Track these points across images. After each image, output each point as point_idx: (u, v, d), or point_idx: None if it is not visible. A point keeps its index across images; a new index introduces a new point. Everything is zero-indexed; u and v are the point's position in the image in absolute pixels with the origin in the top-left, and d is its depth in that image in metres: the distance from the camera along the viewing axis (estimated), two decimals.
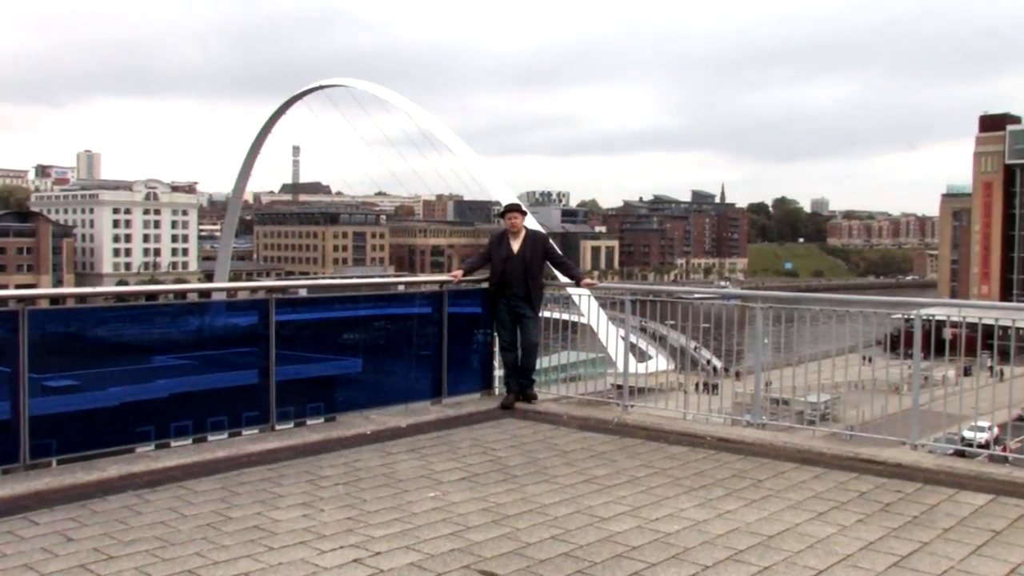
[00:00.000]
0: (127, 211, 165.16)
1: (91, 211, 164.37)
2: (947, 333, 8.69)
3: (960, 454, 8.57)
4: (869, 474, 7.49)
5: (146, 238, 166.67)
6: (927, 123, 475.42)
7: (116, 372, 8.24)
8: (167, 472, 7.35)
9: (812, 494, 6.95)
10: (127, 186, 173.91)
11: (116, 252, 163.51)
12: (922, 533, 6.07)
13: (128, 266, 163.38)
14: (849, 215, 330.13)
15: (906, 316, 8.84)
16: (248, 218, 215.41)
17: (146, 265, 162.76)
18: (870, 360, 9.75)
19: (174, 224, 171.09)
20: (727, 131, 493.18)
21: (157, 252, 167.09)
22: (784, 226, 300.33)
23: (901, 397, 8.75)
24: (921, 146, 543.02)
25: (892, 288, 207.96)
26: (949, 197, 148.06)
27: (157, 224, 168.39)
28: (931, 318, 8.51)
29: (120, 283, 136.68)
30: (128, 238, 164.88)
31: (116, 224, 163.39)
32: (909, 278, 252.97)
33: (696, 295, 12.22)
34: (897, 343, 8.72)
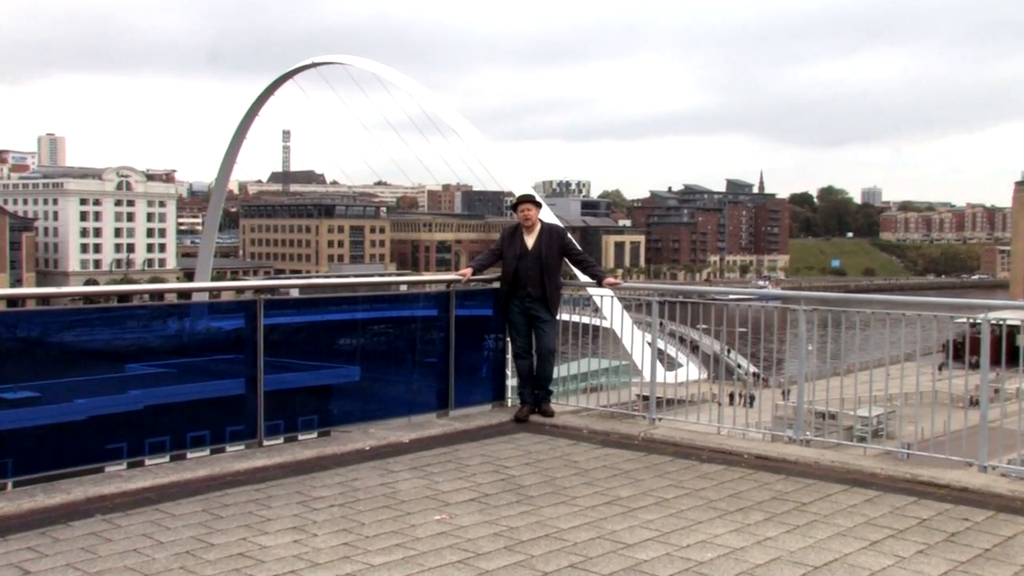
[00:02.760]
0: (96, 202, 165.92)
1: (55, 202, 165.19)
2: (1021, 340, 8.63)
3: None
4: (930, 499, 7.45)
5: (118, 232, 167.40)
6: (997, 100, 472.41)
7: (83, 382, 8.27)
8: (141, 494, 7.38)
9: (864, 520, 6.92)
10: (96, 174, 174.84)
11: (84, 248, 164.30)
12: (996, 569, 5.99)
13: (98, 264, 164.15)
14: (905, 206, 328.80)
15: (972, 320, 8.80)
16: (233, 210, 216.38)
17: (118, 263, 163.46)
18: (941, 368, 9.68)
19: (150, 217, 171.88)
20: (767, 112, 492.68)
21: (131, 248, 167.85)
22: (831, 219, 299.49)
23: (967, 412, 8.69)
24: (989, 127, 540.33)
25: (956, 289, 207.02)
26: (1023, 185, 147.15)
27: (131, 217, 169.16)
28: (1002, 322, 8.45)
29: (88, 283, 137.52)
30: (98, 232, 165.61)
31: (84, 217, 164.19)
32: (975, 277, 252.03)
33: (731, 296, 12.19)
34: (961, 351, 8.66)
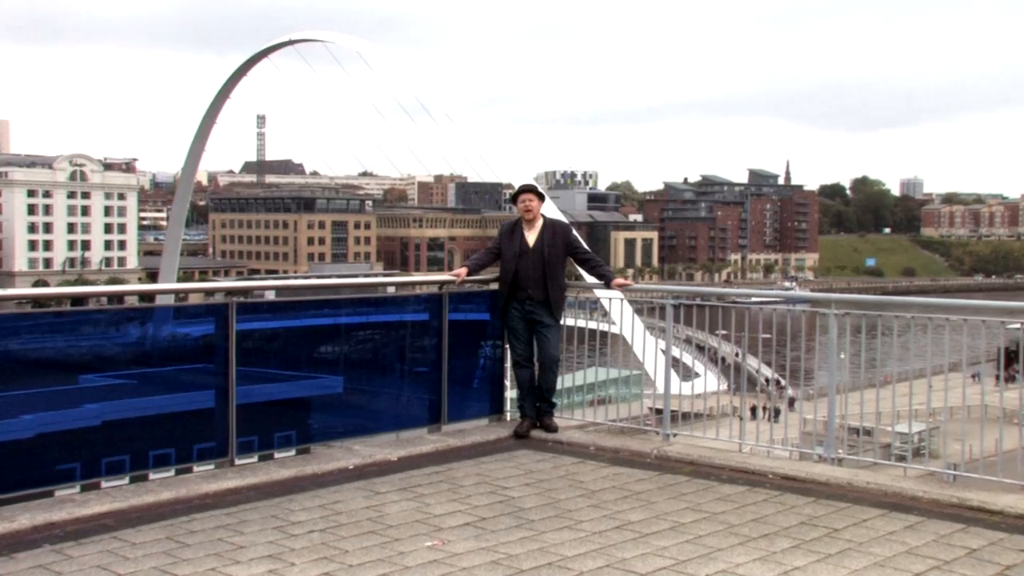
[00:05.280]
0: (47, 194, 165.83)
1: None
2: None
3: None
4: (980, 526, 7.44)
5: (72, 228, 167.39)
6: None
7: (31, 395, 8.21)
8: (97, 520, 7.37)
9: (904, 549, 6.92)
10: (46, 163, 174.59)
11: (32, 245, 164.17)
12: None
13: (48, 263, 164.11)
14: (950, 199, 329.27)
15: None
16: (202, 204, 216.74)
17: (72, 262, 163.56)
18: (973, 378, 9.64)
19: (108, 211, 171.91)
20: (793, 93, 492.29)
21: (86, 246, 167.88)
22: (866, 213, 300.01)
23: (1022, 429, 8.69)
24: None
25: (1007, 290, 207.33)
26: None
27: (86, 211, 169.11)
28: None
29: (38, 284, 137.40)
30: (48, 228, 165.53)
31: (32, 210, 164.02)
32: None
33: (754, 299, 12.21)
34: (1014, 360, 8.65)
